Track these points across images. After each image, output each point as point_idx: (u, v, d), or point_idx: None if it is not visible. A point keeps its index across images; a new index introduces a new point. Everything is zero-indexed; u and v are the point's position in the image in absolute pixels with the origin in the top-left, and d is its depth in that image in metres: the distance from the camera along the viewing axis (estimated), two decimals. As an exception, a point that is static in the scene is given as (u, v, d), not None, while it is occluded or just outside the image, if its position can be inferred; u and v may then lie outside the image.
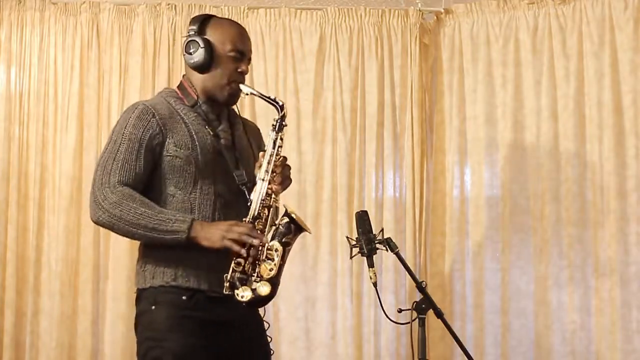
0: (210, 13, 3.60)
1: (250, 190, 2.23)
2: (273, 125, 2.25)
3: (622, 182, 3.34)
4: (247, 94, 2.28)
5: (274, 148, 2.23)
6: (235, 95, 2.31)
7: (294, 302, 3.57)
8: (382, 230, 2.50)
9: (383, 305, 2.50)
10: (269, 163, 2.21)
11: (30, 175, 3.61)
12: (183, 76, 2.37)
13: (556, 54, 3.51)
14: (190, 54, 2.27)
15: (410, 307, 2.42)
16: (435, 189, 3.68)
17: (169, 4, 3.69)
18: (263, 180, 2.20)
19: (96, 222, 2.16)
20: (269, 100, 2.27)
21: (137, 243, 2.30)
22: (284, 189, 2.30)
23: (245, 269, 2.13)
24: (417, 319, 2.40)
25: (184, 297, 2.15)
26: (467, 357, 2.49)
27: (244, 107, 3.58)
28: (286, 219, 2.20)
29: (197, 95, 2.29)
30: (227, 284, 2.11)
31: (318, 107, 3.70)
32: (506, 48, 3.61)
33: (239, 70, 2.29)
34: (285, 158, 2.26)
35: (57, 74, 3.67)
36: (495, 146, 3.61)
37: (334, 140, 3.68)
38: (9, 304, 3.51)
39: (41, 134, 3.64)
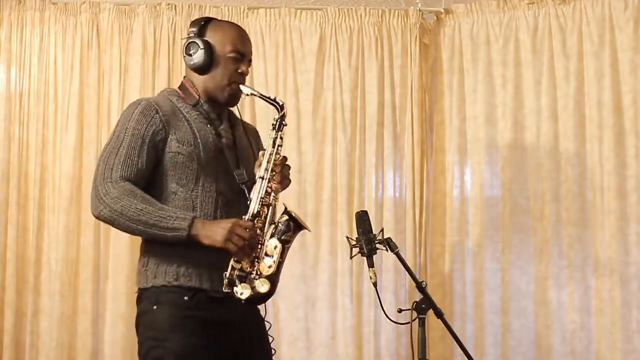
0: (210, 14, 3.69)
1: (250, 190, 2.23)
2: (273, 124, 2.26)
3: (622, 182, 3.34)
4: (247, 95, 2.29)
5: (273, 147, 2.24)
6: (235, 96, 2.31)
7: (294, 302, 3.57)
8: (382, 230, 2.50)
9: (383, 305, 2.50)
10: (268, 162, 2.22)
11: (30, 175, 3.61)
12: (184, 77, 2.37)
13: (556, 54, 3.51)
14: (190, 55, 2.27)
15: (410, 307, 2.42)
16: (435, 189, 3.68)
17: (169, 4, 3.69)
18: (263, 178, 2.21)
19: (97, 217, 2.15)
20: (269, 100, 2.28)
21: (137, 243, 2.30)
22: (283, 188, 2.30)
23: (244, 267, 2.13)
24: (417, 319, 2.39)
25: (185, 297, 2.15)
26: (467, 357, 2.49)
27: (244, 107, 3.58)
28: (286, 217, 2.21)
29: (199, 95, 2.30)
30: (226, 282, 2.12)
31: (318, 107, 3.70)
32: (506, 48, 3.61)
33: (239, 71, 2.30)
34: (285, 158, 2.26)
35: (57, 74, 3.67)
36: (495, 146, 3.61)
37: (334, 140, 3.68)
38: (9, 304, 3.51)
39: (41, 134, 3.64)
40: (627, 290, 3.28)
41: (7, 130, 3.63)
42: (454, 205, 3.64)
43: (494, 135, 3.61)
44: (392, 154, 3.69)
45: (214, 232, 2.09)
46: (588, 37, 3.45)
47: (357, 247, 2.44)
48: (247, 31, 3.69)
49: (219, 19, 2.52)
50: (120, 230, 2.16)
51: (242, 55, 2.31)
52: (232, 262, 2.12)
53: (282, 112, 2.26)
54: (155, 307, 2.15)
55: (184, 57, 2.30)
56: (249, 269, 2.14)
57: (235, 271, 2.12)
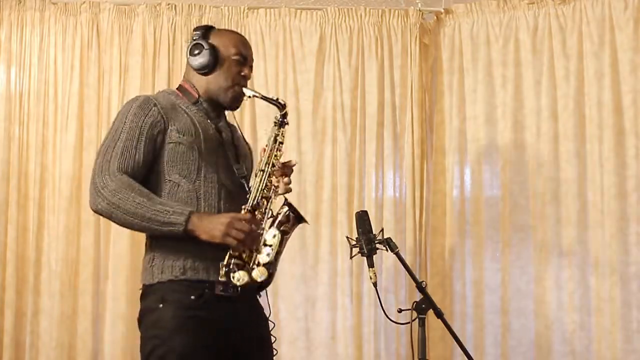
0: (210, 14, 3.71)
1: (249, 184, 2.27)
2: (275, 121, 2.30)
3: (622, 182, 3.34)
4: (249, 97, 2.32)
5: (275, 143, 2.28)
6: (238, 98, 2.34)
7: (294, 302, 3.57)
8: (382, 230, 2.51)
9: (383, 305, 2.50)
10: (269, 157, 2.26)
11: (30, 175, 3.61)
12: (183, 80, 2.39)
13: (556, 54, 3.51)
14: (195, 55, 2.29)
15: (410, 307, 2.43)
16: (435, 189, 3.68)
17: (169, 4, 3.69)
18: (264, 171, 2.24)
19: (95, 211, 2.14)
20: (271, 101, 2.32)
21: (137, 243, 2.31)
22: (283, 192, 2.33)
23: (243, 256, 2.14)
24: (417, 319, 2.40)
25: (192, 297, 2.14)
26: (467, 357, 2.49)
27: (245, 108, 3.59)
28: (286, 208, 2.24)
29: (199, 95, 2.32)
30: (223, 271, 2.11)
31: (318, 107, 3.70)
32: (506, 48, 3.61)
33: (242, 74, 2.33)
34: (291, 161, 2.34)
35: (57, 74, 3.68)
36: (495, 146, 3.61)
37: (334, 140, 3.68)
38: (9, 304, 3.51)
39: (41, 134, 3.64)
40: (627, 290, 3.28)
41: (7, 130, 3.63)
42: (454, 205, 3.64)
43: (494, 135, 3.62)
44: (392, 154, 3.69)
45: (212, 228, 2.09)
46: (588, 37, 3.45)
47: (357, 247, 2.45)
48: (247, 31, 3.72)
49: (218, 26, 2.54)
50: (118, 224, 2.15)
51: (245, 59, 2.35)
52: (230, 251, 2.12)
53: (284, 111, 2.30)
54: (161, 305, 2.14)
55: (188, 57, 2.32)
56: (246, 258, 2.15)
57: (233, 259, 2.12)
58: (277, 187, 2.30)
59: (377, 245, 2.44)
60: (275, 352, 2.35)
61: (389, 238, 2.47)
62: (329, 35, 3.72)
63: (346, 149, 3.66)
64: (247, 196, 2.22)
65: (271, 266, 2.18)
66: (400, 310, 2.57)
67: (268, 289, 2.40)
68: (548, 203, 3.47)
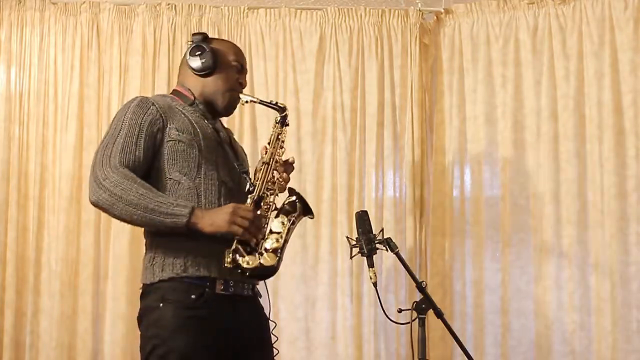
0: (210, 14, 3.72)
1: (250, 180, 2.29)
2: (276, 120, 2.34)
3: (622, 182, 3.34)
4: (246, 102, 2.36)
5: (277, 140, 2.32)
6: (233, 104, 2.38)
7: (294, 302, 3.57)
8: (382, 230, 2.51)
9: (383, 305, 2.50)
10: (272, 154, 2.29)
11: (30, 175, 3.61)
12: (177, 84, 2.42)
13: (556, 54, 3.52)
14: (196, 56, 2.32)
15: (410, 307, 2.43)
16: (435, 189, 3.68)
17: (169, 4, 3.69)
18: (268, 164, 2.28)
19: (96, 203, 2.12)
20: (269, 105, 2.37)
21: (137, 243, 2.30)
22: (281, 190, 2.35)
23: (250, 244, 2.15)
24: (417, 319, 2.40)
25: (192, 296, 2.14)
26: (467, 357, 2.49)
27: (245, 109, 3.59)
28: (293, 197, 2.29)
29: (194, 97, 2.34)
30: (229, 258, 2.11)
31: (318, 107, 3.70)
32: (506, 48, 3.61)
33: (240, 81, 2.39)
34: (291, 158, 2.35)
35: (57, 74, 3.67)
36: (495, 146, 3.61)
37: (334, 140, 3.68)
38: (9, 304, 3.51)
39: (41, 134, 3.64)
40: (627, 290, 3.28)
41: (7, 130, 3.63)
42: (454, 205, 3.64)
43: (494, 135, 3.62)
44: (392, 154, 3.69)
45: (217, 218, 2.09)
46: (588, 37, 3.45)
47: (357, 247, 2.45)
48: (247, 31, 3.73)
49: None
50: (118, 216, 2.12)
51: (242, 67, 2.41)
52: (236, 240, 2.12)
53: (284, 113, 2.34)
54: (161, 304, 2.14)
55: (188, 58, 2.33)
56: (254, 245, 2.16)
57: (240, 246, 2.12)
58: (281, 181, 2.31)
59: (377, 245, 2.45)
60: (276, 352, 2.35)
61: (389, 238, 2.48)
62: (329, 35, 3.72)
63: (346, 149, 3.66)
64: (251, 189, 2.23)
65: (280, 252, 2.18)
66: (400, 310, 2.58)
67: (268, 289, 2.40)
68: (548, 203, 3.47)
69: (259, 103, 2.35)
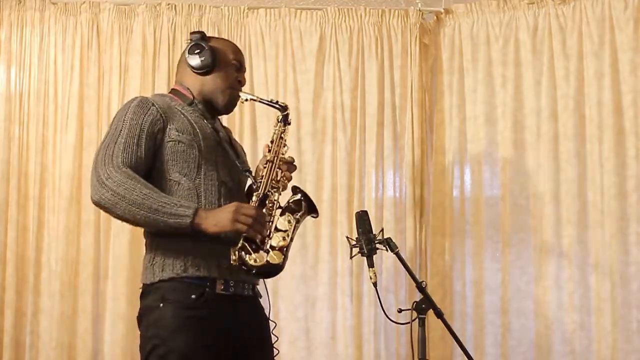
0: (210, 14, 3.72)
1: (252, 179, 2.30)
2: (278, 119, 2.33)
3: (622, 182, 3.34)
4: (246, 100, 2.35)
5: (280, 139, 2.31)
6: (233, 101, 2.38)
7: (294, 302, 3.57)
8: (382, 230, 2.51)
9: (383, 305, 2.50)
10: (276, 152, 2.29)
11: (30, 175, 3.61)
12: (175, 83, 2.41)
13: (556, 54, 3.52)
14: (195, 54, 2.31)
15: (410, 307, 2.43)
16: (435, 189, 3.68)
17: (169, 4, 3.69)
18: (272, 162, 2.28)
19: (97, 203, 2.11)
20: (269, 103, 2.36)
21: (137, 243, 2.30)
22: (284, 189, 2.33)
23: (256, 241, 2.15)
24: (417, 319, 2.40)
25: (193, 296, 2.14)
26: (467, 357, 2.49)
27: (245, 107, 3.59)
28: (298, 196, 2.28)
29: (193, 96, 2.34)
30: (235, 256, 2.11)
31: (318, 107, 3.70)
32: (506, 48, 3.61)
33: (239, 79, 2.38)
34: (292, 158, 2.34)
35: (57, 74, 3.67)
36: (495, 146, 3.61)
37: (334, 140, 3.68)
38: (9, 304, 3.50)
39: (41, 134, 3.63)
40: (627, 290, 3.28)
41: (7, 130, 3.63)
42: (454, 205, 3.64)
43: (494, 135, 3.62)
44: (392, 154, 3.69)
45: (220, 218, 2.09)
46: (588, 37, 3.45)
47: (357, 247, 2.45)
48: (247, 31, 3.73)
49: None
50: (120, 216, 2.11)
51: (241, 65, 2.40)
52: (242, 239, 2.12)
53: (286, 112, 2.33)
54: (161, 304, 2.14)
55: (187, 56, 2.33)
56: (259, 243, 2.16)
57: (247, 244, 2.12)
58: (285, 179, 2.31)
59: (377, 245, 2.44)
60: (276, 352, 2.35)
61: (389, 238, 2.47)
62: (329, 35, 3.72)
63: (346, 149, 3.66)
64: (255, 186, 2.24)
65: (286, 250, 2.18)
66: (400, 310, 2.57)
67: (268, 289, 2.40)
68: (548, 203, 3.47)
69: (259, 101, 2.34)
